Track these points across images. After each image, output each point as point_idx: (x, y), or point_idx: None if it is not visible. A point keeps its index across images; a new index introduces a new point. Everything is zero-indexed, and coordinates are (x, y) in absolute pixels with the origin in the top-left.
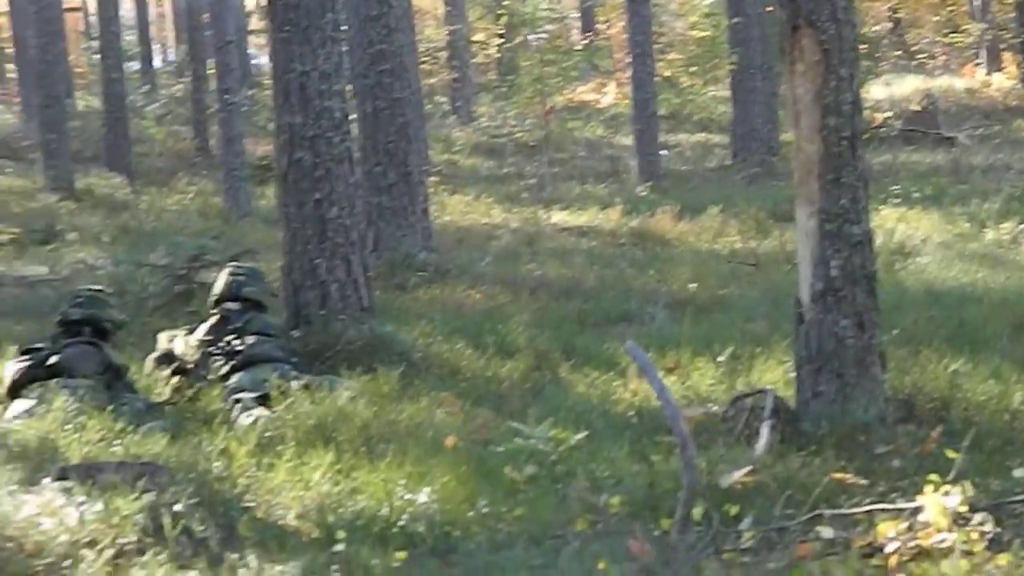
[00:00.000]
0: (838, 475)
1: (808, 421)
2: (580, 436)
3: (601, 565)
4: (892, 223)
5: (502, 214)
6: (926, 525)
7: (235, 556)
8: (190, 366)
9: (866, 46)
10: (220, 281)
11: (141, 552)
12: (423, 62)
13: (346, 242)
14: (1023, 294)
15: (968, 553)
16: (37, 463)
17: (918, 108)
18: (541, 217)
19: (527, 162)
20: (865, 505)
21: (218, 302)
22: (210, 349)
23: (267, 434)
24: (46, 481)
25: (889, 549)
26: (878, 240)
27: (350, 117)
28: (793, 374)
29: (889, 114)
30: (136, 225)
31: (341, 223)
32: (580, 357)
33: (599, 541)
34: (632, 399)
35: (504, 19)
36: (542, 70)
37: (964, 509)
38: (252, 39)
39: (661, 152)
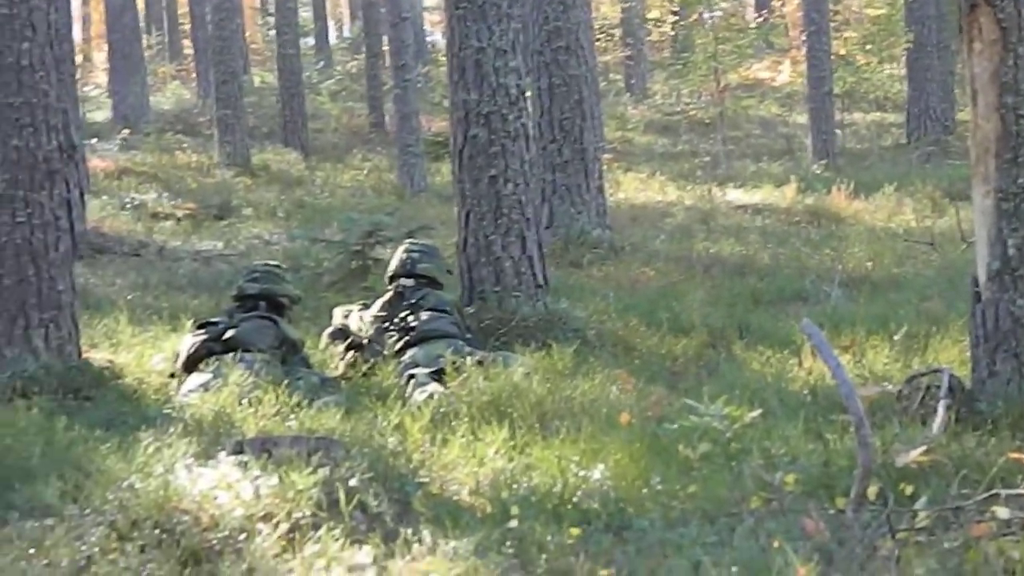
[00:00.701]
0: (1015, 455)
1: (984, 400)
2: (754, 414)
3: (776, 543)
4: None
5: (676, 192)
6: None
7: (409, 531)
8: (365, 341)
9: None
10: (395, 257)
11: (316, 527)
12: (598, 39)
13: (521, 219)
14: None
15: None
16: (213, 437)
17: None
18: (715, 195)
19: (701, 140)
20: None
21: (393, 278)
22: (385, 325)
23: (441, 410)
24: (222, 455)
25: None
26: None
27: (526, 94)
28: (969, 353)
29: None
30: (311, 201)
31: (516, 199)
32: (754, 335)
33: (773, 519)
34: (807, 377)
35: None
36: (717, 48)
37: None
38: (427, 15)
39: (836, 131)
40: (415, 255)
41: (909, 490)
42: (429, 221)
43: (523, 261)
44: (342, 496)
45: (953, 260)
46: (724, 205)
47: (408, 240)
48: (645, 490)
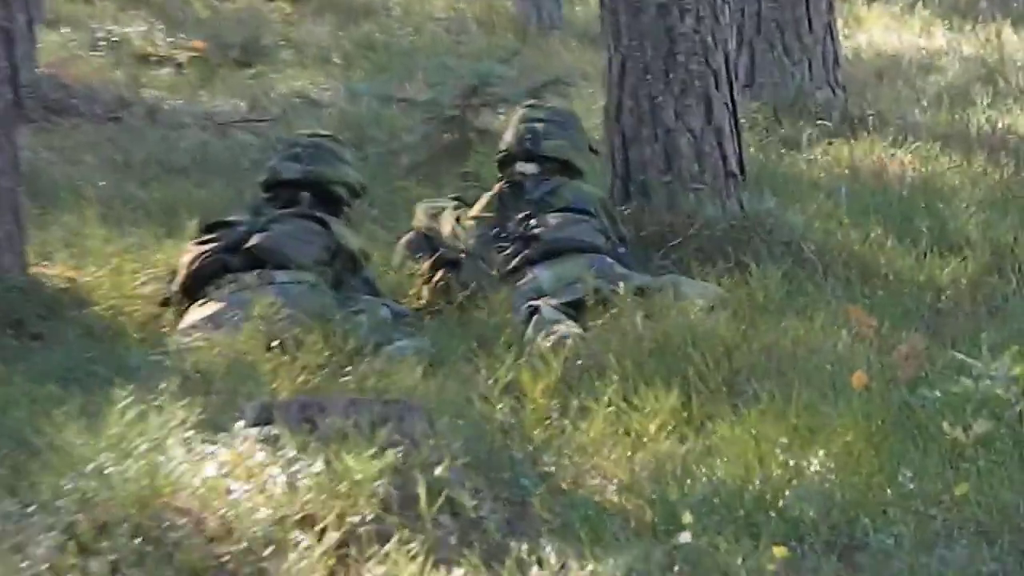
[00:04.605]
0: None
1: None
2: None
3: None
4: None
5: (946, 34)
6: None
7: (525, 547)
8: (462, 255)
9: None
10: (510, 129)
11: (382, 537)
12: None
13: (706, 71)
14: None
15: None
16: (226, 399)
17: None
18: (1007, 39)
19: None
20: None
21: (507, 161)
22: (494, 231)
23: (578, 362)
24: (239, 426)
25: None
26: None
27: None
28: None
29: None
30: (384, 40)
31: (698, 41)
32: None
33: None
34: None
35: None
36: None
37: None
38: None
39: None
40: (540, 126)
41: None
42: (565, 73)
43: (708, 136)
44: (422, 491)
45: None
46: (1022, 54)
47: (529, 103)
48: (888, 490)
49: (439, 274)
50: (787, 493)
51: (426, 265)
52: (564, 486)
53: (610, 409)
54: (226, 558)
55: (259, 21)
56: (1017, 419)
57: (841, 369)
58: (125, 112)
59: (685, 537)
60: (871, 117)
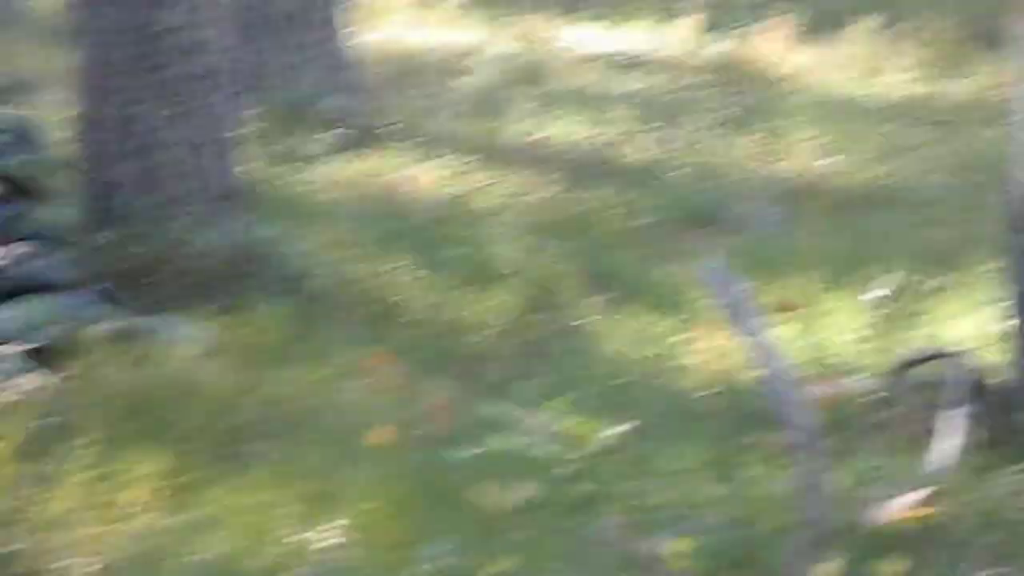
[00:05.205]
0: None
1: None
2: (617, 430)
3: None
4: None
5: (480, 26)
6: None
7: None
8: None
9: None
10: None
11: None
12: None
13: (194, 71)
14: None
15: None
16: None
17: None
18: (551, 34)
19: None
20: None
21: None
22: None
23: (45, 420)
24: None
25: None
26: None
27: None
28: (1007, 324)
29: None
30: None
31: (184, 38)
32: (619, 288)
33: None
34: (712, 364)
35: None
36: None
37: None
38: None
39: None
40: None
41: (897, 570)
42: (27, 75)
43: (197, 149)
44: None
45: (983, 153)
46: (566, 54)
47: None
48: (420, 567)
49: None
50: (294, 572)
51: None
52: (34, 567)
53: (84, 475)
54: None
55: None
56: (566, 482)
57: (360, 424)
58: None
59: None
60: (391, 127)
